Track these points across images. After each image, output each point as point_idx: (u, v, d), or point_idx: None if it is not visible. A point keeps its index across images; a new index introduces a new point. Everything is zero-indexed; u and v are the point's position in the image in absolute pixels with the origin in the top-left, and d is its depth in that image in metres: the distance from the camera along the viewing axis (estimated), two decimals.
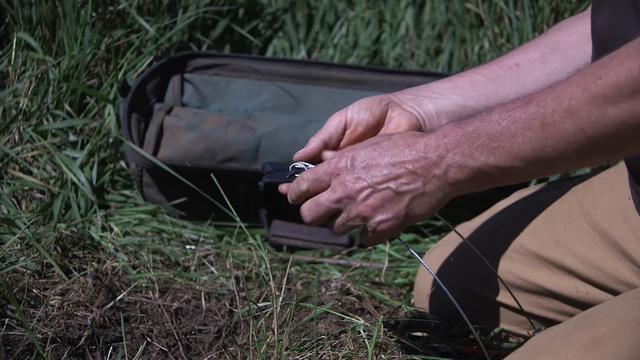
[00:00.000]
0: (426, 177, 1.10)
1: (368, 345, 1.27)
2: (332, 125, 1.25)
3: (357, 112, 1.25)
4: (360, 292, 1.63)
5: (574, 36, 1.35)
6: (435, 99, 1.31)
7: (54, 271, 1.58)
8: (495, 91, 1.32)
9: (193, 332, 1.50)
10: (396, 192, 1.12)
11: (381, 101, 1.27)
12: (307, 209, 1.18)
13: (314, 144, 1.24)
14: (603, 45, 1.14)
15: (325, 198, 1.16)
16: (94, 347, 1.42)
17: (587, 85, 0.94)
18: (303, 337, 1.38)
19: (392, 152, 1.12)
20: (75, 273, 1.58)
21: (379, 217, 1.14)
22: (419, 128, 1.28)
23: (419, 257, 1.22)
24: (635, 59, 0.91)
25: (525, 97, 1.02)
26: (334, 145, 1.25)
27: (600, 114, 0.94)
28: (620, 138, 0.95)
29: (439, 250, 1.59)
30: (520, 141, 1.01)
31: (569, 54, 1.32)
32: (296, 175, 1.21)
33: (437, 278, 1.21)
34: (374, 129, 1.25)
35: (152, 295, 1.57)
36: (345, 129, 1.25)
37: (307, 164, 1.22)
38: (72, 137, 1.98)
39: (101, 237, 1.76)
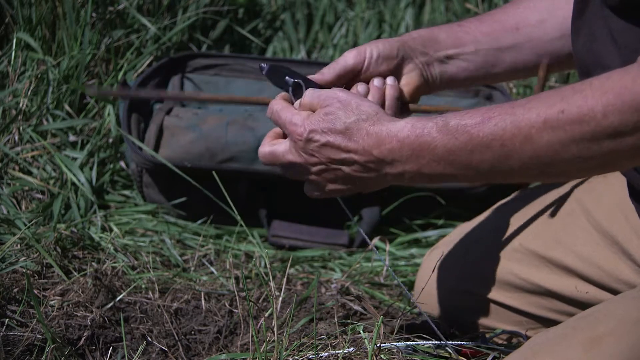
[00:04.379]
0: (379, 172, 1.11)
1: (368, 346, 1.27)
2: (348, 65, 1.28)
3: (375, 62, 1.28)
4: (360, 293, 1.63)
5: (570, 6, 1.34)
6: (444, 64, 1.33)
7: (53, 271, 1.58)
8: (496, 59, 1.35)
9: (193, 332, 1.50)
10: (348, 174, 1.14)
11: (398, 53, 1.29)
12: (263, 156, 1.21)
13: (329, 76, 1.27)
14: (584, 70, 1.15)
15: (281, 153, 1.18)
16: (93, 347, 1.42)
17: (548, 117, 0.95)
18: (303, 338, 1.38)
19: (346, 139, 1.12)
20: (75, 273, 1.58)
21: (331, 187, 1.17)
22: (423, 87, 1.32)
23: (379, 253, 1.23)
24: (598, 101, 0.92)
25: (483, 112, 1.02)
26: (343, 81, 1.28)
27: (560, 147, 0.95)
28: (578, 166, 0.97)
29: (439, 251, 1.59)
30: (478, 158, 1.02)
31: (566, 23, 1.31)
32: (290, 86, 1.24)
33: (392, 272, 1.21)
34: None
35: (151, 295, 1.57)
36: (359, 72, 1.28)
37: (307, 81, 1.24)
38: (72, 138, 1.98)
39: (101, 237, 1.76)
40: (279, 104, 1.20)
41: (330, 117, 1.14)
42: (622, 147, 0.92)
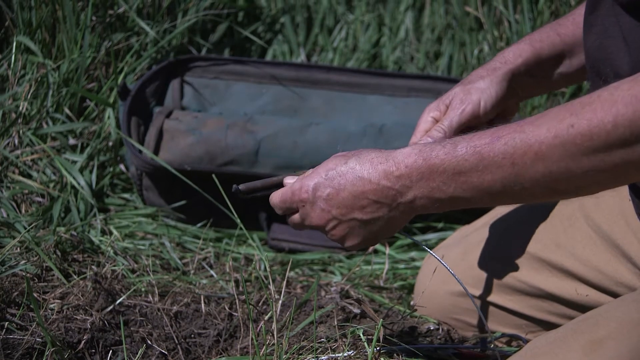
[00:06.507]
0: (391, 205, 1.11)
1: (368, 349, 1.27)
2: (465, 123, 1.33)
3: (486, 115, 1.35)
4: (360, 296, 1.63)
5: None
6: (542, 85, 1.41)
7: (53, 275, 1.58)
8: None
9: (192, 335, 1.50)
10: (362, 221, 1.14)
11: (506, 94, 1.35)
12: (290, 223, 1.23)
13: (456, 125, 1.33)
14: (594, 67, 1.15)
15: (298, 221, 1.20)
16: (93, 350, 1.42)
17: (559, 132, 0.95)
18: (303, 341, 1.38)
19: (352, 181, 1.12)
20: (75, 277, 1.58)
21: (348, 243, 1.18)
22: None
23: (434, 254, 1.23)
24: (608, 112, 0.92)
25: (492, 132, 1.02)
26: None
27: (572, 161, 0.95)
28: (590, 181, 0.97)
29: (439, 254, 1.59)
30: (489, 178, 1.02)
31: None
32: None
33: (451, 271, 1.21)
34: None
35: (151, 298, 1.57)
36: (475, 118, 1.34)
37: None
38: (71, 141, 1.98)
39: (101, 240, 1.76)
40: (275, 195, 1.22)
41: (330, 165, 1.15)
42: (634, 157, 0.92)
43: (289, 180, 1.23)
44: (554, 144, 0.96)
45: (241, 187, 1.24)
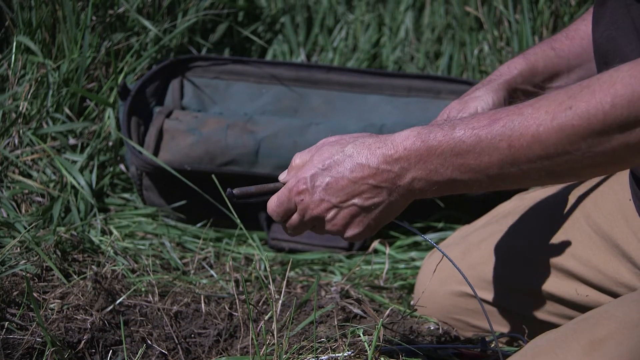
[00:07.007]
0: (390, 189, 1.10)
1: (368, 349, 1.27)
2: None
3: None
4: (360, 295, 1.63)
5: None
6: (535, 95, 1.37)
7: (53, 275, 1.58)
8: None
9: (193, 335, 1.50)
10: (362, 207, 1.13)
11: (504, 104, 1.35)
12: (288, 229, 1.21)
13: None
14: (602, 58, 1.15)
15: (297, 221, 1.18)
16: (93, 350, 1.42)
17: (556, 114, 0.95)
18: (303, 341, 1.38)
19: (350, 168, 1.11)
20: (75, 276, 1.58)
21: (349, 232, 1.16)
22: None
23: (433, 243, 1.23)
24: (606, 93, 0.91)
25: (490, 115, 1.02)
26: None
27: (569, 144, 0.95)
28: (586, 164, 0.96)
29: (439, 254, 1.59)
30: (486, 160, 1.01)
31: None
32: None
33: (456, 266, 1.21)
34: None
35: (151, 298, 1.57)
36: None
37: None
38: (71, 141, 1.98)
39: (101, 240, 1.76)
40: (271, 201, 1.19)
41: (326, 154, 1.13)
42: (633, 140, 0.91)
43: (281, 176, 1.22)
44: (552, 126, 0.95)
45: (235, 191, 1.22)
